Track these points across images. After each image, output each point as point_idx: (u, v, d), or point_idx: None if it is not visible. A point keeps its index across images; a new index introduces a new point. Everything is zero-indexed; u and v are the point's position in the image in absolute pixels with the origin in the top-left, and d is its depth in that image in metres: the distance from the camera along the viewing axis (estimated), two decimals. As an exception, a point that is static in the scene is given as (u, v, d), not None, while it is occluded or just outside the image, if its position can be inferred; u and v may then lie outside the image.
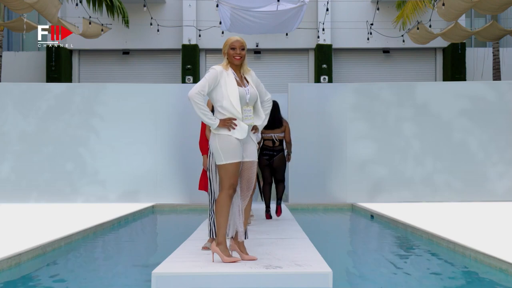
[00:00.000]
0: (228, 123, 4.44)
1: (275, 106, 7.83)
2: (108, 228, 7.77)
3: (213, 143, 4.49)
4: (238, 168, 4.47)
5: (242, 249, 4.55)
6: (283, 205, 9.83)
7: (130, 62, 19.29)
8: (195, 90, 4.41)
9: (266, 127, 7.72)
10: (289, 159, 8.13)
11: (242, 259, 4.49)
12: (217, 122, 4.43)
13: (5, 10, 16.08)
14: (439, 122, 11.06)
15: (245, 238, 4.90)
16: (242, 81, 4.60)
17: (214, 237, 5.10)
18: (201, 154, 5.96)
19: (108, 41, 18.19)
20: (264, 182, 8.05)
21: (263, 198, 8.24)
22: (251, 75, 4.69)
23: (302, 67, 19.31)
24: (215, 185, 4.91)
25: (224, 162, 4.43)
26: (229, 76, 4.53)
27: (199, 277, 4.04)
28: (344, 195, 11.00)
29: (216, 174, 4.81)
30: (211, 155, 4.71)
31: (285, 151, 8.11)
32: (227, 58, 4.59)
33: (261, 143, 7.86)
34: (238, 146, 4.45)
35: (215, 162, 4.55)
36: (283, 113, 9.00)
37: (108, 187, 11.01)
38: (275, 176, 8.02)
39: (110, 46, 18.72)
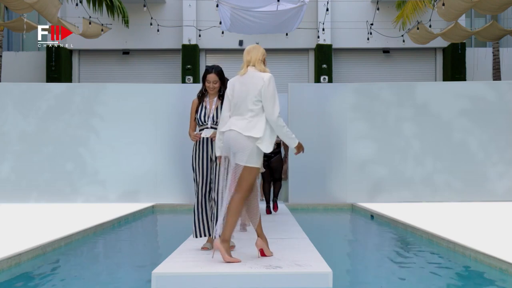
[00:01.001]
0: None
1: None
2: (108, 228, 7.77)
3: (254, 146, 4.48)
4: None
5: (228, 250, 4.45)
6: (282, 205, 10.43)
7: (130, 62, 19.30)
8: (278, 112, 4.56)
9: None
10: (285, 162, 8.97)
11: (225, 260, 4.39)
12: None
13: (5, 10, 16.09)
14: (439, 122, 11.06)
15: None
16: None
17: (197, 236, 5.16)
18: None
19: (108, 41, 18.20)
20: (263, 181, 8.68)
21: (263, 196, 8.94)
22: None
23: (302, 67, 19.31)
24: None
25: (256, 166, 4.52)
26: None
27: (199, 277, 4.05)
28: (344, 195, 11.00)
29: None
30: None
31: (282, 153, 8.88)
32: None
33: None
34: None
35: (240, 163, 4.47)
36: (283, 113, 9.23)
37: (108, 187, 11.01)
38: (273, 175, 8.75)
39: (110, 46, 18.72)
